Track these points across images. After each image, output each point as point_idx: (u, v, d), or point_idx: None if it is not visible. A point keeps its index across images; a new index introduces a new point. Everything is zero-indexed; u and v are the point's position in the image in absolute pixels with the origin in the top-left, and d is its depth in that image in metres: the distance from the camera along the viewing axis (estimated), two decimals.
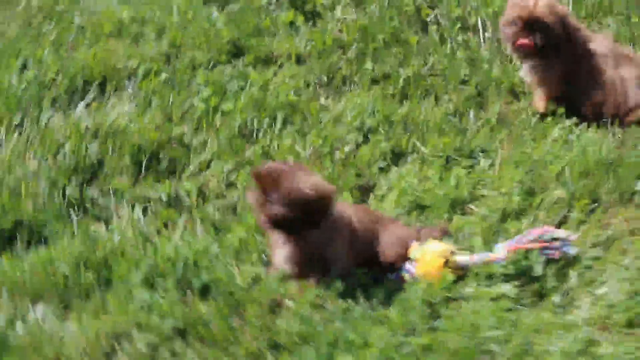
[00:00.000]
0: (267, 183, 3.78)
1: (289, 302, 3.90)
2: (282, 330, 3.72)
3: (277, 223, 3.81)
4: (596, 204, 4.35)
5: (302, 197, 3.75)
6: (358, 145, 4.96)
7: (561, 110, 4.96)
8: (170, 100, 5.35)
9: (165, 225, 4.54)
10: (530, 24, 4.81)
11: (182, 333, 3.76)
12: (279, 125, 5.12)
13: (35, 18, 6.67)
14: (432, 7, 5.92)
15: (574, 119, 4.92)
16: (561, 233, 4.13)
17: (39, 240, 4.53)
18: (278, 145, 4.96)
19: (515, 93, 5.25)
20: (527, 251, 4.00)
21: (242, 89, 5.40)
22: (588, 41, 4.96)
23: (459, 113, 5.13)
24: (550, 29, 4.81)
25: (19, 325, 3.91)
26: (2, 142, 5.22)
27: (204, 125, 5.15)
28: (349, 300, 3.87)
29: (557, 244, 4.05)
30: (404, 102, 5.26)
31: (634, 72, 4.89)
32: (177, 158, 4.96)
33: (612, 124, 4.87)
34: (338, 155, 4.83)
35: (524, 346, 3.53)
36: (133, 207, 4.68)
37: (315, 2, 6.09)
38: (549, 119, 4.94)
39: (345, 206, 4.19)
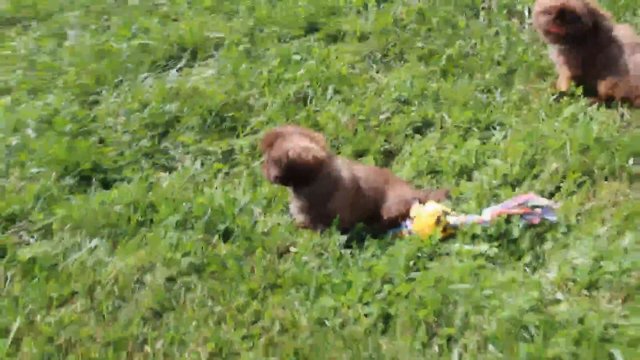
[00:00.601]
0: (266, 145, 4.41)
1: (293, 249, 4.43)
2: (282, 272, 4.22)
3: (274, 180, 4.44)
4: (588, 177, 4.66)
5: (286, 161, 4.25)
6: (392, 115, 5.39)
7: (579, 90, 5.22)
8: (243, 67, 5.99)
9: (216, 177, 5.15)
10: (562, 14, 5.23)
11: (198, 270, 4.28)
12: (329, 94, 5.62)
13: None
14: None
15: (588, 100, 5.21)
16: (544, 201, 4.44)
17: (112, 184, 5.16)
18: (323, 111, 5.51)
19: (542, 75, 5.54)
20: (510, 215, 4.40)
21: (305, 60, 5.95)
22: (611, 30, 5.31)
23: (487, 90, 5.46)
24: (580, 19, 5.20)
25: (72, 255, 4.54)
26: (102, 99, 6.00)
27: (266, 92, 5.72)
28: (344, 250, 4.31)
29: (538, 210, 4.44)
30: (442, 79, 5.67)
31: None
32: (239, 118, 5.57)
33: (622, 105, 5.14)
34: (372, 122, 5.35)
35: (483, 300, 3.83)
36: (195, 159, 5.36)
37: None
38: (565, 98, 5.22)
39: (354, 166, 4.62)
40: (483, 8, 6.14)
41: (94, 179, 5.13)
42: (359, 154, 5.04)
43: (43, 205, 4.88)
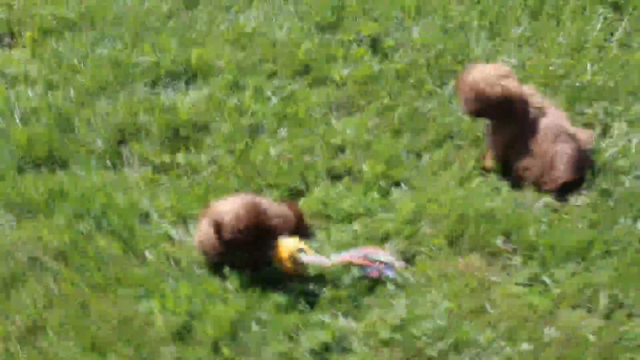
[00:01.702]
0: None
1: None
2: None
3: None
4: (451, 246, 4.87)
5: None
6: (322, 158, 5.71)
7: (498, 168, 5.41)
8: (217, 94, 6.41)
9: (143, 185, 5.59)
10: (475, 96, 5.33)
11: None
12: (280, 131, 5.99)
13: None
14: None
15: (503, 178, 5.37)
16: (388, 257, 4.70)
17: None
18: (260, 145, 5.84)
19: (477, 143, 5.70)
20: (352, 264, 4.67)
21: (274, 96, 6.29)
22: (536, 114, 5.36)
23: (416, 151, 5.68)
24: (491, 102, 5.29)
25: None
26: (97, 101, 6.55)
27: (227, 118, 6.12)
28: None
29: (381, 265, 4.67)
30: (383, 134, 5.89)
31: (569, 149, 5.25)
32: (192, 138, 5.99)
33: (532, 187, 5.28)
34: (299, 161, 5.61)
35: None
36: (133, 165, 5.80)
37: None
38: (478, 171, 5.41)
39: None
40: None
41: (42, 167, 5.54)
42: (271, 186, 5.28)
43: None
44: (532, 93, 5.30)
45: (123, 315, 4.28)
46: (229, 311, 4.22)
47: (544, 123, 5.27)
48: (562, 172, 5.12)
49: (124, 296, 4.42)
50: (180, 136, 5.82)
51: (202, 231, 4.50)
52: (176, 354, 4.09)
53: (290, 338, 4.13)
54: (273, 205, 4.66)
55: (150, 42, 6.87)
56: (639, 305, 4.35)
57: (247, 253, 4.40)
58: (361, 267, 4.60)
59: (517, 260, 4.71)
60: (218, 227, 4.29)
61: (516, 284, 4.56)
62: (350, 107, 6.13)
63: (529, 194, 5.18)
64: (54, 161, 5.62)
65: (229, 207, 4.35)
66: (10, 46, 7.29)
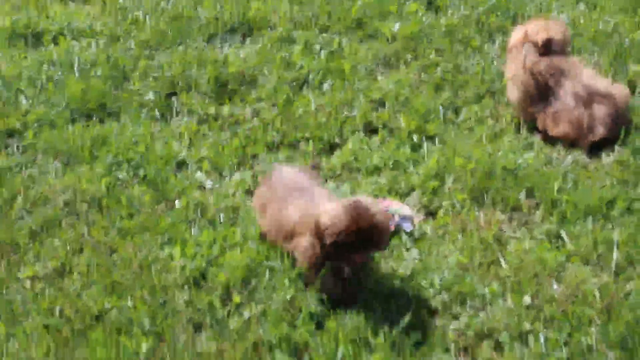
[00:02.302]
0: None
1: None
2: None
3: None
4: (475, 202, 4.89)
5: None
6: (360, 112, 5.77)
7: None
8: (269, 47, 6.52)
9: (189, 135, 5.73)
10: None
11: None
12: (325, 85, 6.06)
13: None
14: None
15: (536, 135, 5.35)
16: (406, 210, 4.78)
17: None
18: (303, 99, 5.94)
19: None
20: None
21: (323, 50, 6.37)
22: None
23: (454, 107, 5.70)
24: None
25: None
26: (157, 54, 6.74)
27: (274, 71, 6.23)
28: None
29: (397, 217, 4.75)
30: (424, 90, 5.92)
31: (603, 109, 5.21)
32: (239, 90, 6.13)
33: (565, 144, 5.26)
34: (338, 115, 5.71)
35: None
36: (181, 116, 5.99)
37: None
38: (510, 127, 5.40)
39: None
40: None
41: (93, 117, 5.73)
42: (308, 139, 5.42)
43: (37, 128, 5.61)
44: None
45: (144, 261, 4.40)
46: (243, 259, 4.32)
47: (577, 85, 5.14)
48: (594, 130, 5.05)
49: (148, 242, 4.55)
50: (228, 89, 5.91)
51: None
52: (189, 298, 4.19)
53: (298, 287, 4.17)
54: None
55: None
56: None
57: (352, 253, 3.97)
58: None
59: (537, 216, 4.63)
60: (321, 232, 3.91)
61: (532, 239, 4.50)
62: (396, 63, 6.14)
63: (560, 150, 5.06)
64: (106, 112, 5.75)
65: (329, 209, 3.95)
66: (84, 1, 7.48)
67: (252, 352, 3.87)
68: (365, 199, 3.91)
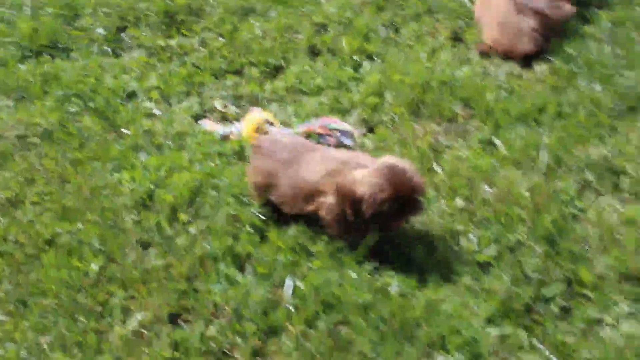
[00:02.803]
0: None
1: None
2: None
3: None
4: (412, 115, 5.03)
5: None
6: (305, 36, 5.88)
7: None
8: None
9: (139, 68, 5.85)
10: None
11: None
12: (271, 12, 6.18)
13: None
14: None
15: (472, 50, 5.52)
16: (345, 126, 4.92)
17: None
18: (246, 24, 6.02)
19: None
20: (312, 133, 4.88)
21: None
22: None
23: (394, 25, 5.82)
24: None
25: None
26: None
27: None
28: None
29: (337, 133, 4.88)
30: (366, 11, 6.02)
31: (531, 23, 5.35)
32: (187, 21, 6.20)
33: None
34: (282, 40, 5.80)
35: None
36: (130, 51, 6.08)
37: None
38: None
39: None
40: None
41: (45, 54, 5.82)
42: (253, 65, 5.54)
43: None
44: None
45: (94, 187, 4.53)
46: (189, 180, 4.45)
47: None
48: (523, 44, 5.18)
49: (98, 170, 4.67)
50: (177, 21, 5.99)
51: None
52: (137, 219, 4.33)
53: (242, 203, 4.31)
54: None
55: None
56: (578, 163, 4.39)
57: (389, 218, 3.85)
58: (320, 135, 4.78)
59: (473, 125, 4.77)
60: (357, 204, 3.78)
61: (467, 147, 4.63)
62: None
63: (495, 63, 5.19)
64: (57, 49, 5.84)
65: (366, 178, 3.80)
66: None
67: (199, 265, 3.98)
68: (397, 161, 3.81)
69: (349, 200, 3.76)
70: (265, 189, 4.17)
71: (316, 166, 3.99)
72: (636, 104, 4.73)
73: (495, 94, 4.87)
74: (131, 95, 5.33)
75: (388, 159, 3.84)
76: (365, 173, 3.76)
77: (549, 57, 5.16)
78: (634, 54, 5.05)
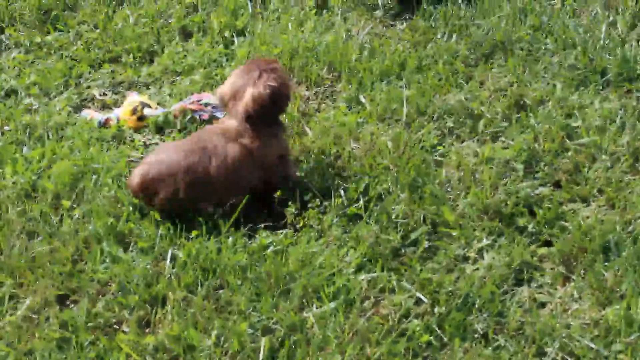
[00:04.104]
0: None
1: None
2: None
3: None
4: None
5: None
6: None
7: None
8: None
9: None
10: None
11: None
12: None
13: None
14: None
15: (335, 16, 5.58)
16: (215, 100, 5.01)
17: None
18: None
19: None
20: (186, 110, 4.96)
21: None
22: None
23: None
24: None
25: None
26: None
27: None
28: None
29: (209, 108, 4.96)
30: None
31: None
32: (61, 16, 6.22)
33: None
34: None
35: None
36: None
37: None
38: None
39: None
40: None
41: None
42: (129, 52, 5.65)
43: None
44: None
45: None
46: (69, 167, 4.49)
47: None
48: None
49: None
50: (51, 16, 5.99)
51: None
52: (22, 209, 4.35)
53: (121, 184, 4.37)
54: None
55: None
56: (438, 111, 4.54)
57: None
58: (194, 111, 4.84)
59: (339, 86, 4.88)
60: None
61: (335, 108, 4.74)
62: None
63: (359, 23, 5.32)
64: None
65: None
66: None
67: (83, 247, 4.04)
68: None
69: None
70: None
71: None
72: (489, 51, 4.85)
73: (357, 55, 4.94)
74: (10, 94, 5.28)
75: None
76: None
77: (409, 15, 5.25)
78: (485, 4, 5.18)
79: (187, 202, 4.06)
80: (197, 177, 3.99)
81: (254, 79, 4.05)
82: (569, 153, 4.19)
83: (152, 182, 4.04)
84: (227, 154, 4.01)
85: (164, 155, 4.09)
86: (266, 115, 4.04)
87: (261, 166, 4.08)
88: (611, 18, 4.96)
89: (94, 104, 5.19)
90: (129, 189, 4.15)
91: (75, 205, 4.29)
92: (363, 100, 4.71)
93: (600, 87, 4.54)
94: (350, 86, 4.83)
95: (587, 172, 4.08)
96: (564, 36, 4.85)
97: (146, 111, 4.93)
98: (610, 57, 4.58)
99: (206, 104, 4.87)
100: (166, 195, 4.02)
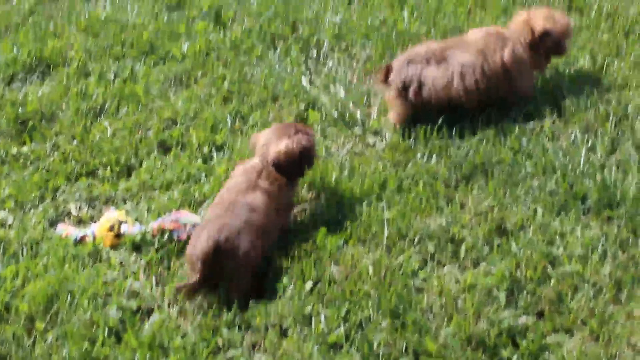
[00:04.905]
0: None
1: None
2: None
3: None
4: None
5: None
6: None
7: None
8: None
9: None
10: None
11: None
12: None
13: None
14: None
15: None
16: (194, 218, 4.96)
17: None
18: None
19: None
20: (164, 229, 4.91)
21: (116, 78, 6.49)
22: None
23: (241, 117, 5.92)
24: None
25: None
26: None
27: (71, 105, 6.34)
28: None
29: (188, 227, 4.91)
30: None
31: None
32: (38, 127, 6.19)
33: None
34: None
35: None
36: None
37: None
38: None
39: None
40: None
41: None
42: (106, 165, 5.60)
43: None
44: None
45: None
46: (44, 287, 4.42)
47: None
48: None
49: None
50: (28, 127, 5.97)
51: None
52: None
53: (97, 305, 4.30)
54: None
55: (10, 40, 7.00)
56: (419, 234, 4.52)
57: None
58: (172, 230, 4.81)
59: (320, 205, 4.86)
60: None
61: (314, 227, 4.71)
62: (187, 80, 6.31)
63: (338, 141, 5.34)
64: None
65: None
66: None
67: None
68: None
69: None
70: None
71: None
72: (470, 172, 4.87)
73: (337, 174, 4.94)
74: None
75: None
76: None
77: (388, 133, 5.28)
78: (465, 124, 5.22)
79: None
80: None
81: (290, 134, 4.67)
82: (552, 282, 4.16)
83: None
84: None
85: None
86: (290, 168, 4.63)
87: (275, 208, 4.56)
88: (590, 142, 4.93)
89: (69, 218, 5.11)
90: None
91: (49, 328, 4.20)
92: (343, 221, 4.66)
93: (581, 213, 4.52)
94: (330, 206, 4.78)
95: (570, 302, 4.05)
96: (543, 159, 4.85)
97: (124, 228, 4.87)
98: (591, 183, 4.58)
99: (185, 223, 4.78)
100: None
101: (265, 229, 4.44)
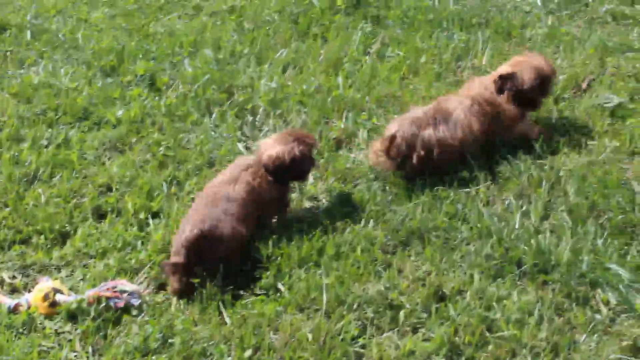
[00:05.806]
0: None
1: None
2: None
3: None
4: None
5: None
6: None
7: None
8: None
9: None
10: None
11: None
12: None
13: None
14: None
15: None
16: (132, 287, 4.92)
17: None
18: None
19: None
20: (101, 297, 4.86)
21: None
22: None
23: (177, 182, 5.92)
24: None
25: None
26: None
27: None
28: None
29: (125, 295, 4.88)
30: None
31: None
32: None
33: None
34: None
35: None
36: None
37: None
38: None
39: None
40: None
41: None
42: (40, 232, 5.51)
43: None
44: None
45: None
46: None
47: None
48: None
49: None
50: None
51: None
52: None
53: None
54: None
55: None
56: (358, 300, 4.54)
57: None
58: (109, 299, 4.76)
59: (257, 273, 4.86)
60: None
61: (254, 294, 4.71)
62: (122, 146, 6.29)
63: None
64: None
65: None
66: None
67: None
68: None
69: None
70: None
71: None
72: (406, 238, 4.93)
73: (273, 241, 4.97)
74: None
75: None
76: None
77: (324, 199, 5.33)
78: (401, 190, 5.29)
79: None
80: None
81: (287, 142, 5.04)
82: (490, 347, 4.21)
83: None
84: None
85: None
86: (279, 173, 5.07)
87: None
88: (524, 207, 5.04)
89: (2, 287, 5.04)
90: None
91: None
92: (282, 288, 4.68)
93: (517, 278, 4.60)
94: (268, 272, 4.79)
95: None
96: (479, 224, 4.93)
97: (59, 297, 4.83)
98: (526, 248, 4.67)
99: (122, 291, 4.78)
100: None
101: (244, 218, 4.90)
